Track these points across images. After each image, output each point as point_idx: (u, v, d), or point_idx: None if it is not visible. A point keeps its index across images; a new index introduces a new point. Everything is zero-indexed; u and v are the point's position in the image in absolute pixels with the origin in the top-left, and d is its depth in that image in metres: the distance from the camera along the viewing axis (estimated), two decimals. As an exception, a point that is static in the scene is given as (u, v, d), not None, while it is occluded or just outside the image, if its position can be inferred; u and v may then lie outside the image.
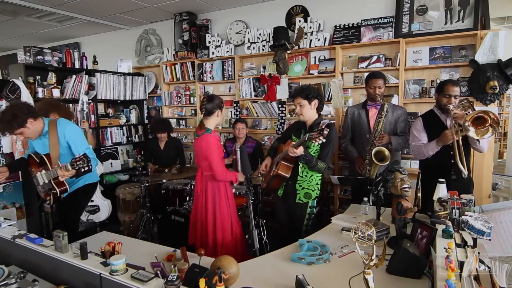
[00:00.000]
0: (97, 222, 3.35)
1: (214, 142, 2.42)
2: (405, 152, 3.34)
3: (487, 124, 2.13)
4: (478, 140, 2.27)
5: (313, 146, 2.44)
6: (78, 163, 2.14)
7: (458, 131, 2.29)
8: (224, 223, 2.52)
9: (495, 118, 2.10)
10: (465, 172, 2.25)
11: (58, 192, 2.38)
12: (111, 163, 4.43)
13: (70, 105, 3.87)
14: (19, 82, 3.33)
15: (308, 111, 2.49)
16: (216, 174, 2.42)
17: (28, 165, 2.58)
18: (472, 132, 2.17)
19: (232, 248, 2.50)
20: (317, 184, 2.54)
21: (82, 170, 2.16)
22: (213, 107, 2.47)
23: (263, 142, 4.26)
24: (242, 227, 2.72)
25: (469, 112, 2.46)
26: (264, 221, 3.37)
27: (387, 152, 2.64)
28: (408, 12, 3.49)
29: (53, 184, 2.38)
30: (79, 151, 2.40)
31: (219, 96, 2.58)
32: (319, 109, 2.53)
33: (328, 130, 2.15)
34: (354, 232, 1.36)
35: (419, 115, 2.88)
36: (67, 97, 3.86)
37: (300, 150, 2.29)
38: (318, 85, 3.93)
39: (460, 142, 2.30)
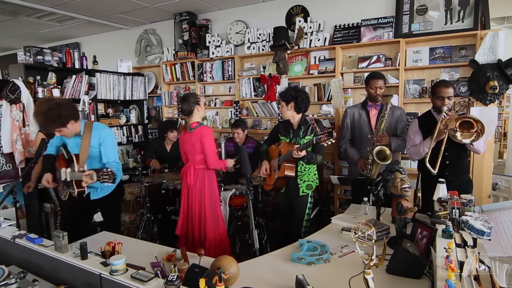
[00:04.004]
0: (97, 222, 3.34)
1: (211, 132, 2.60)
2: (405, 152, 3.34)
3: (472, 130, 2.16)
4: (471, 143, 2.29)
5: (303, 140, 2.64)
6: (104, 177, 2.19)
7: (446, 128, 2.30)
8: (220, 214, 2.71)
9: (482, 125, 2.12)
10: (434, 171, 2.27)
11: (76, 193, 2.44)
12: (111, 163, 4.43)
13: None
14: (19, 82, 3.33)
15: (286, 112, 2.72)
16: (211, 162, 2.57)
17: (54, 160, 2.63)
18: (458, 134, 2.20)
19: (225, 236, 2.71)
20: (315, 174, 2.79)
21: (105, 183, 2.22)
22: (190, 106, 2.57)
23: (263, 142, 4.26)
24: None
25: (465, 112, 2.47)
26: (264, 221, 3.37)
27: (388, 151, 2.65)
28: (408, 12, 3.49)
29: (74, 184, 2.43)
30: (109, 159, 2.48)
31: (193, 93, 2.64)
32: (299, 110, 2.70)
33: (335, 133, 2.36)
34: (354, 232, 1.36)
35: (418, 115, 2.87)
36: (67, 97, 3.85)
37: (304, 152, 2.49)
38: (318, 85, 3.94)
39: (444, 141, 2.31)
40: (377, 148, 2.70)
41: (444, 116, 2.35)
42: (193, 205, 2.61)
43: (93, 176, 2.20)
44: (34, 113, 2.36)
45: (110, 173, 2.20)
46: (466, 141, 2.20)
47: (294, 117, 2.73)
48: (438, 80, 3.32)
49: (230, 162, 2.78)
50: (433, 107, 2.61)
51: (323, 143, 2.38)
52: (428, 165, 2.27)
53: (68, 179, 2.46)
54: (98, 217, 3.27)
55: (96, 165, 2.50)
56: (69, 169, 2.44)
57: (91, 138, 2.47)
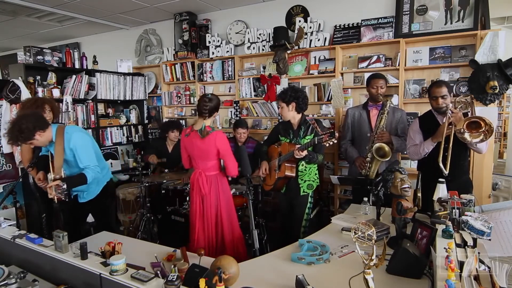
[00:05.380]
0: (90, 223, 3.29)
1: (226, 137, 2.49)
2: (405, 152, 3.34)
3: (480, 130, 2.16)
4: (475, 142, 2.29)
5: (303, 140, 2.64)
6: (58, 191, 2.23)
7: (452, 129, 2.30)
8: (235, 219, 2.60)
9: (490, 125, 2.12)
10: (445, 171, 2.26)
11: (56, 200, 2.35)
12: (111, 163, 4.43)
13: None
14: (19, 82, 3.33)
15: (287, 113, 2.70)
16: (234, 169, 2.47)
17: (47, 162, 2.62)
18: (466, 135, 2.21)
19: (241, 242, 2.58)
20: (316, 174, 2.80)
21: (61, 196, 2.25)
22: (215, 108, 2.51)
23: (263, 143, 4.25)
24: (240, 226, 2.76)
25: (469, 111, 2.47)
26: (264, 221, 3.37)
27: (387, 148, 2.67)
28: (408, 12, 3.49)
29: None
30: (84, 164, 2.39)
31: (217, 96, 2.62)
32: (300, 110, 2.70)
33: (336, 133, 2.36)
34: (354, 232, 1.36)
35: (418, 115, 2.87)
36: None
37: (305, 152, 2.50)
38: (318, 85, 3.93)
39: (451, 141, 2.30)
40: (377, 145, 2.72)
41: (450, 114, 2.36)
42: (209, 214, 2.46)
43: (52, 188, 2.24)
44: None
45: (62, 188, 2.22)
46: (476, 140, 2.20)
47: (295, 117, 2.73)
48: (438, 80, 3.33)
49: None
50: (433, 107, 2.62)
51: (325, 143, 2.38)
52: (441, 165, 2.26)
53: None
54: (90, 218, 3.24)
55: (76, 170, 2.44)
56: (51, 175, 2.40)
57: (63, 142, 2.37)
